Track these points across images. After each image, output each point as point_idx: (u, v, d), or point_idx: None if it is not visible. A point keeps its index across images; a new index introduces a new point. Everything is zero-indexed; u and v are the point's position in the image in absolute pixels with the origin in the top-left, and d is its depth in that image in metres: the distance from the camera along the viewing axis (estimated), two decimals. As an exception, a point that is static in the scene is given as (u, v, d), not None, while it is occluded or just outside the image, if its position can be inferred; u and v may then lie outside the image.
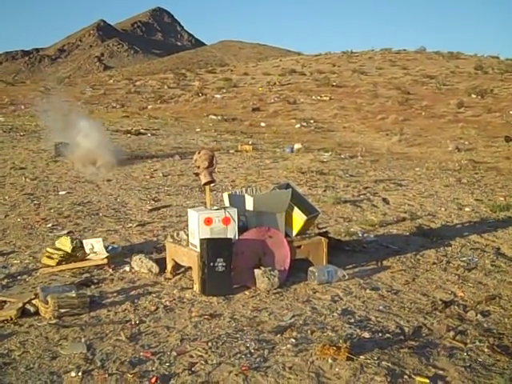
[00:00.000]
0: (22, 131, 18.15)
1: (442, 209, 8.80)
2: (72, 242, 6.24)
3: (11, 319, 4.59)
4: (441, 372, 3.82)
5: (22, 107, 26.52)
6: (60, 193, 9.95)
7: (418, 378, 3.70)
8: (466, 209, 8.80)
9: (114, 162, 12.44)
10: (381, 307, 4.96)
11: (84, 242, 6.29)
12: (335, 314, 4.78)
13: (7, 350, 4.11)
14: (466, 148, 16.43)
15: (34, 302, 4.82)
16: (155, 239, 7.03)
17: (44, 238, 7.13)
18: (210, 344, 4.20)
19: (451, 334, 4.41)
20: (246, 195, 5.69)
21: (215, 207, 5.60)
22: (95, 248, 6.17)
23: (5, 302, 4.97)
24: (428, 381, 3.67)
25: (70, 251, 6.09)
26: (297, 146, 16.07)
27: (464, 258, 6.36)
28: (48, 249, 6.21)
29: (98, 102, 31.38)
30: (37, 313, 4.72)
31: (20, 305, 4.75)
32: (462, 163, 13.33)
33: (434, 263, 6.20)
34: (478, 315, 4.80)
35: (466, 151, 15.90)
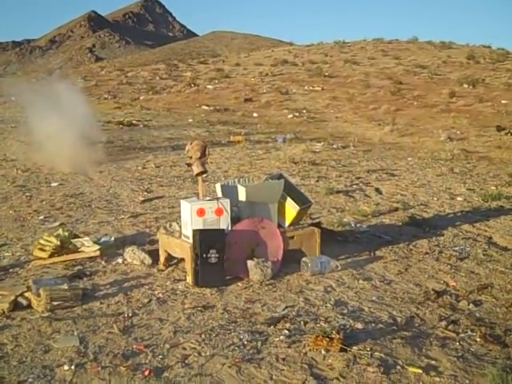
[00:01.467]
0: (12, 122, 18.03)
1: (435, 198, 8.82)
2: (69, 234, 6.22)
3: (3, 312, 4.57)
4: (433, 362, 3.83)
5: (13, 98, 26.30)
6: (52, 184, 9.91)
7: (411, 369, 3.71)
8: (458, 198, 8.82)
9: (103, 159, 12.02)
10: (374, 298, 4.97)
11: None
12: (328, 305, 4.79)
13: (-1, 344, 4.10)
14: (458, 138, 16.44)
15: (26, 294, 4.80)
16: (148, 230, 7.01)
17: (36, 230, 7.10)
18: (203, 336, 4.19)
19: (443, 323, 4.42)
20: (239, 186, 5.67)
21: (208, 198, 5.58)
22: (85, 244, 6.15)
23: (-3, 295, 4.94)
24: (421, 371, 3.68)
25: (58, 243, 6.05)
26: (289, 136, 16.05)
27: (456, 248, 6.37)
28: (40, 241, 6.18)
29: (89, 94, 31.17)
30: (29, 306, 4.70)
31: (12, 298, 4.73)
32: (454, 153, 13.34)
33: (427, 253, 6.21)
34: (470, 305, 4.82)
35: (458, 141, 15.92)
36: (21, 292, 4.85)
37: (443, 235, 6.86)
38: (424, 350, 3.99)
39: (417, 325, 4.43)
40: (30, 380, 3.61)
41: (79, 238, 6.36)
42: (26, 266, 5.81)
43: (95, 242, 6.23)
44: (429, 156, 13.18)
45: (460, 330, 4.32)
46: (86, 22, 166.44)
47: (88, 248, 6.10)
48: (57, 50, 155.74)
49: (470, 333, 4.28)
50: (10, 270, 5.68)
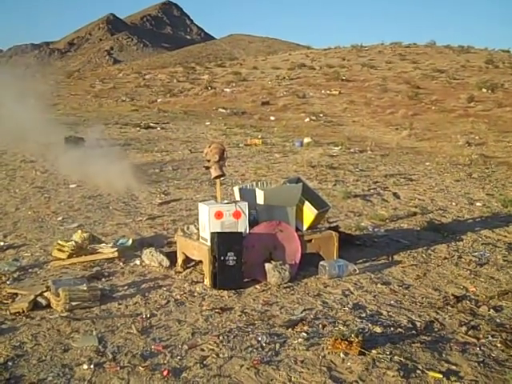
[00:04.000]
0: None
1: (453, 203, 8.75)
2: (88, 236, 6.25)
3: (23, 312, 4.61)
4: (454, 367, 3.80)
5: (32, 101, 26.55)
6: (70, 186, 9.96)
7: (431, 373, 3.68)
8: (477, 203, 8.76)
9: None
10: (392, 302, 4.94)
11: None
12: (346, 309, 4.77)
13: (19, 343, 4.12)
14: (477, 142, 16.33)
15: (45, 294, 4.84)
16: (165, 233, 7.03)
17: (55, 231, 7.15)
18: (221, 338, 4.19)
19: (464, 329, 4.39)
20: (257, 189, 5.67)
21: (226, 201, 5.59)
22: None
23: (16, 294, 4.99)
24: (441, 376, 3.65)
25: (79, 242, 6.09)
26: (306, 140, 16.01)
27: (476, 253, 6.32)
28: (59, 241, 6.22)
29: (107, 96, 31.41)
30: (48, 305, 4.73)
31: (32, 297, 4.77)
32: (473, 158, 13.25)
33: (446, 258, 6.17)
34: (491, 310, 4.77)
35: (477, 146, 15.81)
36: (40, 292, 4.88)
37: (462, 240, 6.81)
38: (444, 355, 3.96)
39: (436, 330, 4.40)
40: (49, 378, 3.63)
41: (99, 243, 6.38)
42: (45, 266, 5.85)
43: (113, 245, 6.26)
44: (447, 161, 13.10)
45: (480, 336, 4.28)
46: (104, 24, 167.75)
47: (106, 249, 6.13)
48: (75, 53, 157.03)
49: (490, 338, 4.24)
50: (30, 270, 5.72)
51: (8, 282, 5.34)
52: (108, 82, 37.70)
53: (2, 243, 6.62)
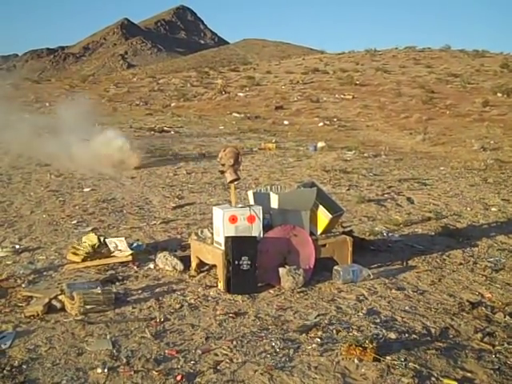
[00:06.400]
0: (46, 128, 18.25)
1: (468, 208, 8.69)
2: (98, 239, 6.27)
3: (38, 315, 4.63)
4: (469, 374, 3.77)
5: (47, 104, 26.69)
6: (84, 190, 10.01)
7: (446, 381, 3.65)
8: (493, 209, 8.69)
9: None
10: (407, 307, 4.91)
11: (107, 240, 6.33)
12: (360, 314, 4.74)
13: (34, 346, 4.14)
14: (492, 147, 16.19)
15: (60, 297, 4.86)
16: (179, 237, 7.04)
17: (69, 234, 7.19)
18: (234, 342, 4.19)
19: (479, 335, 4.35)
20: (271, 193, 5.67)
21: (240, 205, 5.58)
22: (119, 247, 6.20)
23: (31, 297, 5.01)
24: (456, 383, 3.62)
25: (92, 248, 6.11)
26: (320, 144, 15.98)
27: (491, 259, 6.27)
28: (74, 245, 6.25)
29: (121, 100, 31.54)
30: (63, 309, 4.75)
31: (46, 300, 4.79)
32: (488, 162, 13.15)
33: (461, 264, 6.13)
34: (506, 317, 4.72)
35: (492, 150, 15.67)
36: (55, 295, 4.91)
37: (477, 246, 6.76)
38: (459, 362, 3.92)
39: (451, 336, 4.36)
40: (63, 382, 3.64)
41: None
42: (60, 269, 5.88)
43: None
44: (462, 166, 13.01)
45: (496, 343, 4.24)
46: (118, 29, 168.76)
47: (120, 253, 6.15)
48: (90, 57, 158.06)
49: (506, 345, 4.20)
50: (44, 273, 5.75)
51: (23, 285, 5.37)
52: (122, 87, 37.83)
53: (17, 246, 6.66)
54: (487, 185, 10.68)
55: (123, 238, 6.40)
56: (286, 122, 23.07)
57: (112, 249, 6.22)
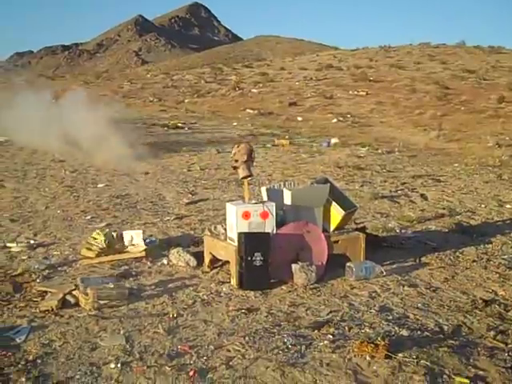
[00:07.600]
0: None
1: (482, 205, 8.65)
2: (108, 235, 6.30)
3: (52, 310, 4.67)
4: (481, 372, 3.75)
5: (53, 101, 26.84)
6: (98, 185, 10.08)
7: (458, 379, 3.64)
8: (507, 206, 8.63)
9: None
10: (419, 305, 4.90)
11: (124, 233, 6.37)
12: (373, 311, 4.74)
13: (48, 340, 4.17)
14: (507, 144, 16.07)
15: (74, 293, 4.90)
16: (192, 232, 7.07)
17: (83, 229, 7.23)
18: (247, 338, 4.20)
19: (492, 333, 4.33)
20: (285, 189, 5.67)
21: (253, 201, 5.59)
22: (135, 240, 6.23)
23: (46, 292, 5.06)
24: (468, 381, 3.60)
25: (104, 245, 6.14)
26: (333, 140, 15.98)
27: (505, 256, 6.24)
28: (88, 240, 6.29)
29: (135, 96, 31.69)
30: (77, 304, 4.79)
31: (60, 295, 4.83)
32: (503, 159, 13.07)
33: (474, 261, 6.09)
34: (520, 315, 4.70)
35: (507, 147, 15.56)
36: (69, 290, 4.95)
37: (491, 243, 6.72)
38: (472, 360, 3.91)
39: (464, 334, 4.34)
40: (77, 377, 3.67)
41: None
42: (74, 264, 5.92)
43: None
44: (476, 162, 12.93)
45: (509, 341, 4.21)
46: (132, 26, 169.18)
47: (134, 248, 6.18)
48: (104, 54, 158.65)
49: (519, 343, 4.18)
50: (59, 269, 5.79)
51: (38, 280, 5.41)
52: (136, 83, 38.01)
53: (32, 241, 6.72)
54: (502, 181, 10.62)
55: (141, 231, 6.43)
56: (299, 119, 23.07)
57: (127, 243, 6.25)
